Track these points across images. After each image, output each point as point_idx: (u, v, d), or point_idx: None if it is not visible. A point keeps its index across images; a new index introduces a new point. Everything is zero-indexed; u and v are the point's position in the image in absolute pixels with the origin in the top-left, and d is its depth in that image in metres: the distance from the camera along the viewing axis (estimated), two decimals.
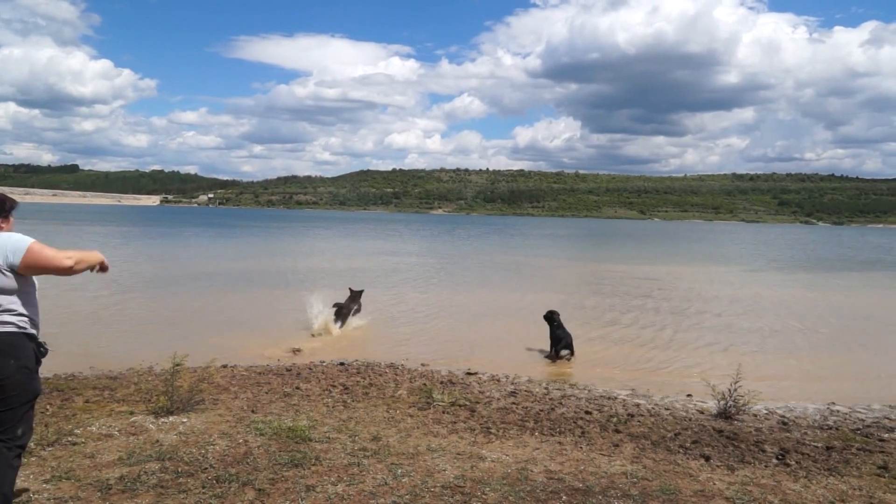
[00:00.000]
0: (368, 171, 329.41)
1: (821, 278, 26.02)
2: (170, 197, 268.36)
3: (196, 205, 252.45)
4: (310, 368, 9.56)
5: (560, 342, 11.08)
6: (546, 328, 11.55)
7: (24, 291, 3.75)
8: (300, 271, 24.18)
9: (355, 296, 12.50)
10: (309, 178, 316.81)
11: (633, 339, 12.99)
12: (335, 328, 11.77)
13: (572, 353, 11.16)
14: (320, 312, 12.05)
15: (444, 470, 5.42)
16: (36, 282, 3.86)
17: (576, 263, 32.40)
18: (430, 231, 73.69)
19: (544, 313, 11.76)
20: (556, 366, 10.75)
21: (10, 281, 3.67)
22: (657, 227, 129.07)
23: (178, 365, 7.04)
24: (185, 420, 6.48)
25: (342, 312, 12.03)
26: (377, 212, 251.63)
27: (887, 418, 7.71)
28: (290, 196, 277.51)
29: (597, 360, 11.21)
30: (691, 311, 16.68)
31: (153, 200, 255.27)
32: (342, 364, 9.98)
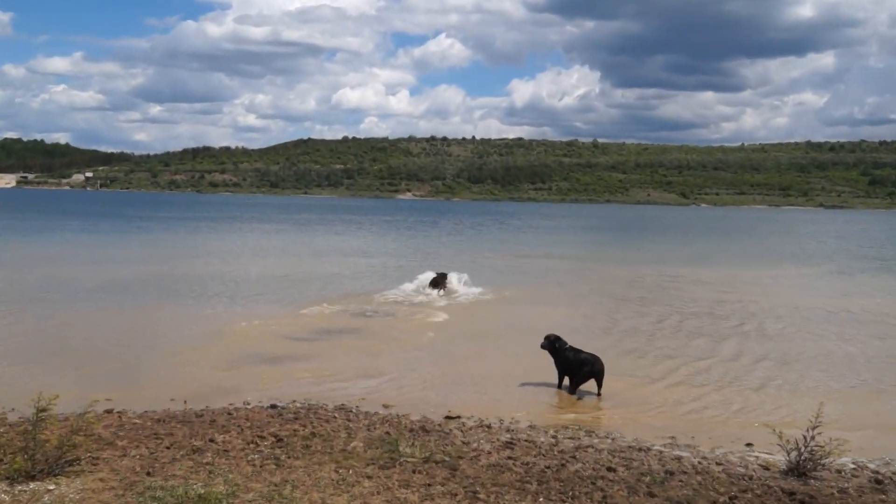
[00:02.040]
0: (310, 140, 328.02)
1: None
2: (30, 176, 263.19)
3: (68, 187, 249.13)
4: (229, 413, 9.58)
5: (582, 367, 11.33)
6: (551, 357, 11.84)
7: None
8: (219, 279, 24.37)
9: (441, 277, 21.50)
10: (228, 150, 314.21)
11: (675, 371, 13.17)
12: (436, 293, 20.63)
13: (599, 386, 11.42)
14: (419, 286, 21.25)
15: None
16: None
17: (600, 267, 32.74)
18: (405, 224, 74.30)
19: (541, 342, 11.92)
20: (569, 406, 10.87)
21: None
22: (705, 216, 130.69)
23: (42, 411, 6.94)
24: (51, 487, 6.42)
25: (439, 283, 20.91)
26: (322, 196, 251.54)
27: None
28: (200, 175, 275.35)
29: (624, 398, 11.31)
30: (752, 332, 16.91)
31: (6, 181, 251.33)
32: (274, 407, 10.04)
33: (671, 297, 22.71)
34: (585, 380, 11.45)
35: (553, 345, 11.78)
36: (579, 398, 11.33)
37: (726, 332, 16.95)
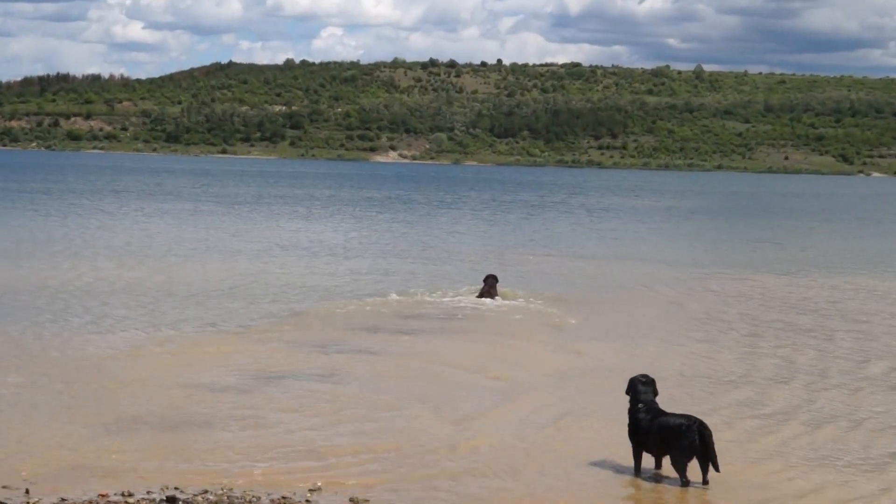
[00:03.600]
0: (233, 66, 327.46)
1: None
2: None
3: None
4: None
5: (679, 439, 11.32)
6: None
7: None
8: (108, 290, 25.00)
9: (492, 281, 25.67)
10: (97, 81, 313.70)
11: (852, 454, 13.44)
12: (490, 301, 24.91)
13: (706, 468, 11.53)
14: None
15: None
16: None
17: (719, 276, 33.34)
18: (397, 202, 75.11)
19: (628, 385, 12.18)
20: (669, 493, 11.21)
21: None
22: (884, 193, 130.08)
23: None
24: None
25: (490, 292, 25.30)
26: (253, 158, 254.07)
27: None
28: (53, 122, 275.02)
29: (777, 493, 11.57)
30: None
31: None
32: (172, 501, 10.35)
33: (846, 323, 23.03)
34: (685, 459, 11.50)
35: (631, 392, 12.01)
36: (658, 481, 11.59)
37: None
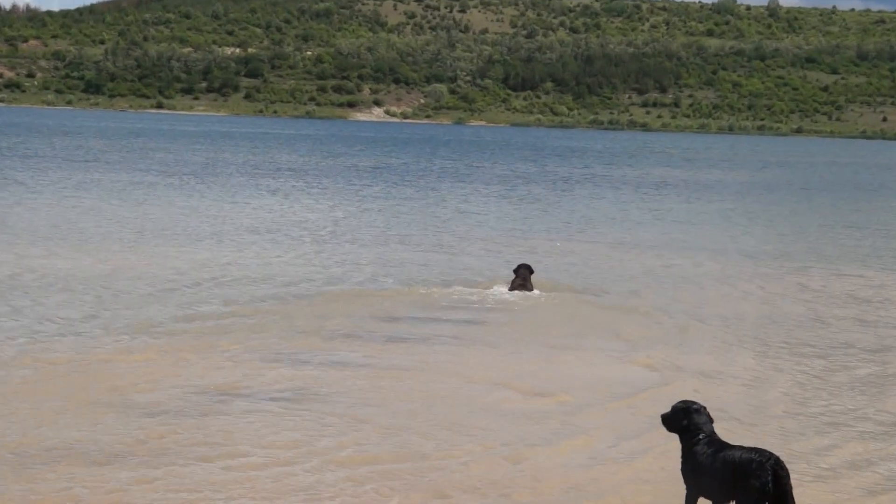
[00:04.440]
0: None
1: None
2: None
3: None
4: None
5: (746, 478, 11.31)
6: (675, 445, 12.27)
7: None
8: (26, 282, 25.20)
9: (526, 272, 27.00)
10: None
11: None
12: (524, 296, 26.17)
13: None
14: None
15: None
16: None
17: (802, 272, 33.53)
18: (389, 173, 75.53)
19: (677, 413, 12.09)
20: None
21: None
22: None
23: None
24: None
25: (525, 285, 26.57)
26: (194, 114, 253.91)
27: None
28: None
29: None
30: None
31: None
32: None
33: None
34: (755, 501, 11.50)
35: (685, 421, 11.81)
36: None
37: None
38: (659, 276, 30.92)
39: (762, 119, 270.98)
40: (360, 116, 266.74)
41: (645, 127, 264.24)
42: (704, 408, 11.93)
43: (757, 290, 29.01)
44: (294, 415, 15.58)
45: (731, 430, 14.40)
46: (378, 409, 16.08)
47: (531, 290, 26.29)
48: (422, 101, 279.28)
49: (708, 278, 30.71)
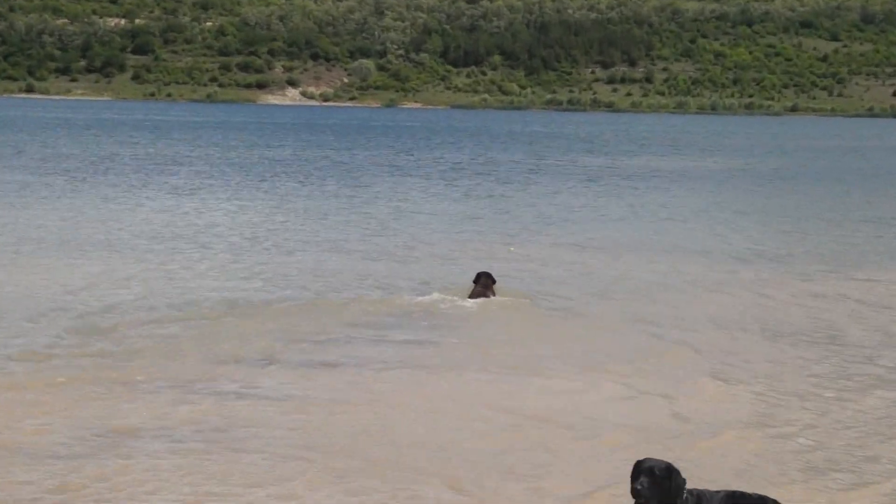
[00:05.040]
0: None
1: None
2: None
3: None
4: None
5: None
6: None
7: None
8: None
9: (487, 280, 27.63)
10: None
11: None
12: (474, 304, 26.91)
13: None
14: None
15: None
16: None
17: (838, 275, 33.84)
18: (310, 166, 76.02)
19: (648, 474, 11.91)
20: None
21: None
22: None
23: None
24: None
25: (486, 294, 27.15)
26: (72, 98, 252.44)
27: None
28: None
29: None
30: None
31: None
32: None
33: None
34: None
35: (661, 481, 11.78)
36: None
37: None
38: (647, 283, 31.05)
39: (750, 96, 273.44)
40: (272, 99, 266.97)
41: (612, 107, 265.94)
42: (667, 465, 11.65)
43: (752, 298, 29.18)
44: (212, 459, 15.36)
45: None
46: (314, 451, 15.96)
47: (492, 293, 26.98)
48: (345, 80, 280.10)
49: (705, 285, 30.97)
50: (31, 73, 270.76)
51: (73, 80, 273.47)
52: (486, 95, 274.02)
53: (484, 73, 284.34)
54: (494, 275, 27.74)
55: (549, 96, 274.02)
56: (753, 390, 19.50)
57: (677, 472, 11.48)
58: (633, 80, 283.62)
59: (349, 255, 35.52)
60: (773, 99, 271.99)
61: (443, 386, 19.57)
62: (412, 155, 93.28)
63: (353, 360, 21.22)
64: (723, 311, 27.22)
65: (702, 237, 42.60)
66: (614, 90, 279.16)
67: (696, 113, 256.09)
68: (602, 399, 19.11)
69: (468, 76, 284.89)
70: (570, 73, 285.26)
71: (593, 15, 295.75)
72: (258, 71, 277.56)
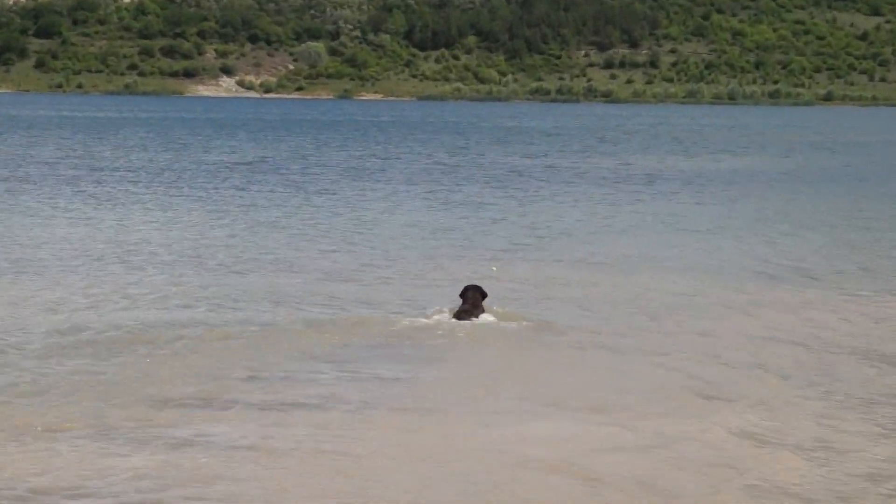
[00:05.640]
0: None
1: None
2: None
3: None
4: None
5: None
6: None
7: None
8: None
9: (475, 295, 28.08)
10: None
11: None
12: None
13: None
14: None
15: None
16: None
17: (862, 300, 33.52)
18: (258, 171, 77.52)
19: None
20: None
21: None
22: None
23: None
24: None
25: (474, 312, 27.56)
26: None
27: None
28: None
29: None
30: None
31: None
32: None
33: None
34: None
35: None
36: None
37: None
38: (652, 303, 31.15)
39: (775, 82, 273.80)
40: (203, 90, 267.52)
41: (610, 97, 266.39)
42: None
43: (785, 323, 28.91)
44: None
45: None
46: None
47: (480, 311, 27.29)
48: (290, 66, 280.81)
49: (731, 307, 31.02)
50: None
51: None
52: (460, 84, 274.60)
53: (456, 58, 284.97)
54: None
55: (534, 85, 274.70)
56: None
57: None
58: (635, 65, 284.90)
59: (308, 274, 35.57)
60: (802, 85, 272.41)
61: (425, 433, 19.37)
62: (378, 157, 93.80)
63: (318, 401, 21.03)
64: (754, 337, 27.07)
65: (725, 251, 42.67)
66: (612, 77, 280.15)
67: (711, 103, 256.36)
68: (607, 448, 18.68)
69: (437, 61, 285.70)
70: (559, 57, 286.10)
71: None
72: (186, 56, 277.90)
